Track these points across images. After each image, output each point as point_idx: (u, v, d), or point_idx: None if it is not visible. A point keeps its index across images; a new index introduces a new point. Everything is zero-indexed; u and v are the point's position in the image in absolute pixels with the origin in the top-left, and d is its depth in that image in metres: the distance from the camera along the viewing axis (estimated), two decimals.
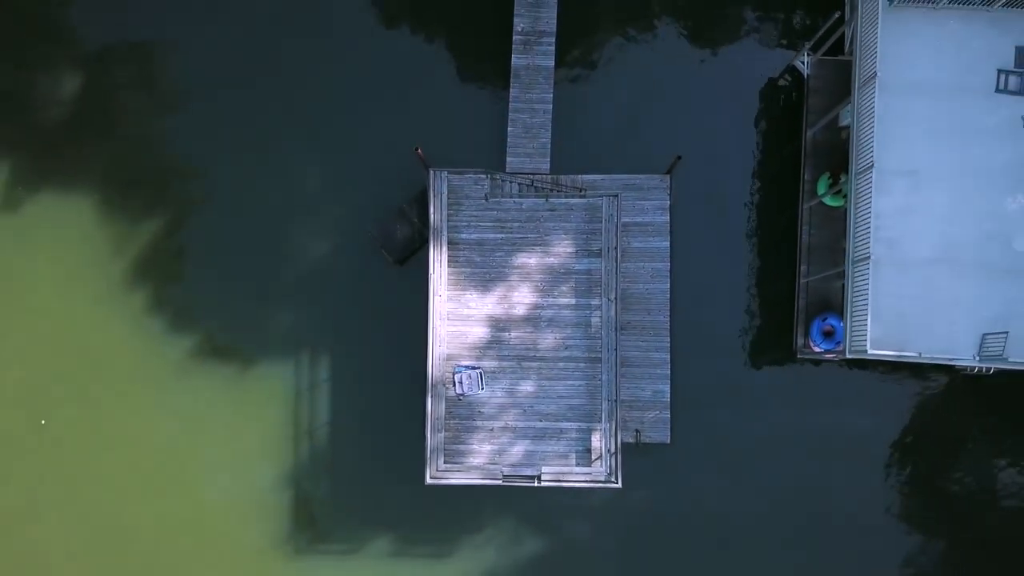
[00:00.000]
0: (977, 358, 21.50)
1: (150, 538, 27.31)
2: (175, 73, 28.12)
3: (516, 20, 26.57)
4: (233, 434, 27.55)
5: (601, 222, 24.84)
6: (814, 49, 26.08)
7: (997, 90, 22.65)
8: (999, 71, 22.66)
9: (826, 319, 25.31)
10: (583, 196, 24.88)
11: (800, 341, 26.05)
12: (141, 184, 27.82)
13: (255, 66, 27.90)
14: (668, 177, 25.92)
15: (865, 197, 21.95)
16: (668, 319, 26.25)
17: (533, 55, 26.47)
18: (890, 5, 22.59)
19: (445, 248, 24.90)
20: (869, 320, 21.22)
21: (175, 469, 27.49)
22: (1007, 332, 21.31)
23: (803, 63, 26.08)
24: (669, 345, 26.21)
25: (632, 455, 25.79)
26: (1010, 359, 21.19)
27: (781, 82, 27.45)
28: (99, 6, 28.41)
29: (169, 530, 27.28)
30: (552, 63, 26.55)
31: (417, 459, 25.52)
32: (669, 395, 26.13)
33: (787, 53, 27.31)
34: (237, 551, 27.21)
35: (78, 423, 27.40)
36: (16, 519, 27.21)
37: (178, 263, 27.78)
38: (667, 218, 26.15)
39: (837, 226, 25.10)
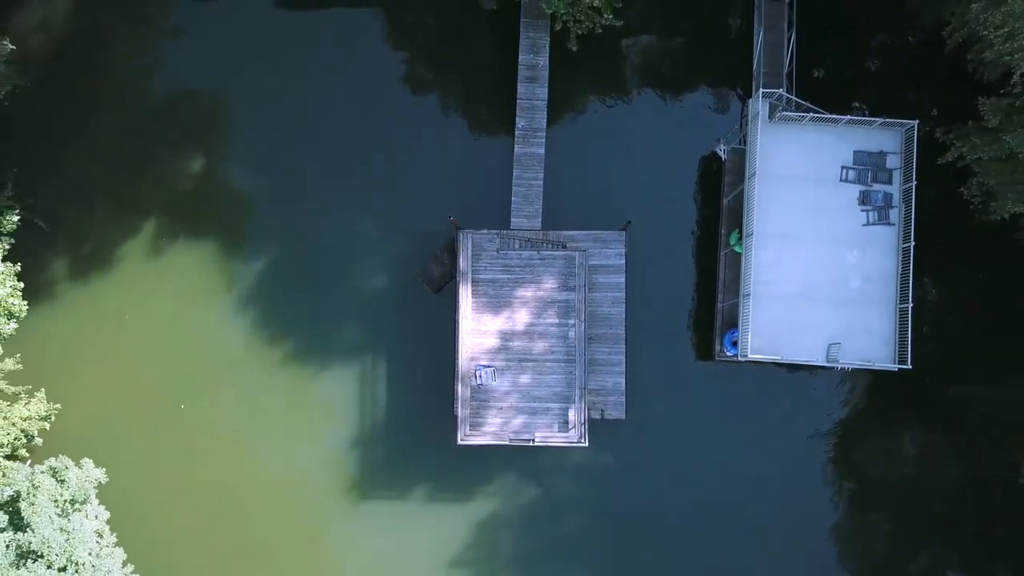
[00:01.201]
0: (819, 360, 30.78)
1: (243, 494, 34.40)
2: (275, 155, 35.75)
3: (517, 119, 34.64)
4: (307, 418, 34.56)
5: (575, 268, 32.67)
6: (728, 141, 34.92)
7: (841, 180, 31.55)
8: (842, 167, 31.55)
9: (734, 333, 33.03)
10: (564, 248, 33.19)
11: (717, 348, 34.42)
12: (246, 236, 35.59)
13: (344, 156, 35.73)
14: (624, 232, 33.84)
15: (748, 254, 31.29)
16: (624, 332, 33.77)
17: (529, 145, 34.60)
18: (770, 121, 31.82)
19: (470, 286, 32.50)
20: (749, 335, 30.56)
21: (260, 445, 34.51)
22: (840, 343, 30.67)
23: (721, 150, 34.95)
24: (624, 351, 33.67)
25: (598, 427, 33.32)
26: (841, 360, 30.40)
27: (707, 160, 35.57)
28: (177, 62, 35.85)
29: (256, 489, 34.34)
30: (543, 151, 34.54)
31: (444, 431, 32.81)
32: (624, 385, 33.53)
33: (712, 141, 35.26)
34: (311, 501, 34.38)
35: (205, 409, 34.84)
36: (154, 479, 34.48)
37: (269, 292, 35.10)
38: (623, 261, 33.88)
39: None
